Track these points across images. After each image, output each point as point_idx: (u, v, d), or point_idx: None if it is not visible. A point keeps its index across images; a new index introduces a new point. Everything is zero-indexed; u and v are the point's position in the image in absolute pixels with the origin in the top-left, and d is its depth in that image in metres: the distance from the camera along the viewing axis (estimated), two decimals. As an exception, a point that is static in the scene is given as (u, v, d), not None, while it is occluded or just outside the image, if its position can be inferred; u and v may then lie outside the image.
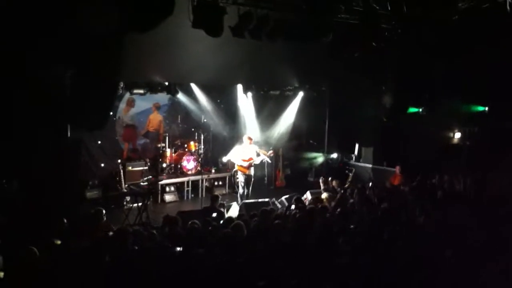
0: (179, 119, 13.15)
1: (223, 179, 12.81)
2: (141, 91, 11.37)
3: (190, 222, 6.39)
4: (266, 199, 9.88)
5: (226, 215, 8.19)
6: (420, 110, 11.82)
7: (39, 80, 7.59)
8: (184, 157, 12.12)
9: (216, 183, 12.71)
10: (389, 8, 7.13)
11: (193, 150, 12.56)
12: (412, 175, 10.48)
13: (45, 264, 4.82)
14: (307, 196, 10.20)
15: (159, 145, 12.26)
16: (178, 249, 5.45)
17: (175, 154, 12.38)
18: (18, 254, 4.86)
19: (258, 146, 11.39)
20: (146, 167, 11.48)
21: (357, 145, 14.11)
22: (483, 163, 9.97)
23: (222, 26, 6.43)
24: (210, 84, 12.34)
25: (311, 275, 4.69)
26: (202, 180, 11.52)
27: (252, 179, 10.88)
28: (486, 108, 11.10)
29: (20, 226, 6.59)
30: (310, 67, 10.96)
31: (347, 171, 11.78)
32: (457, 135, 12.14)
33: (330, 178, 10.63)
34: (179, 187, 11.94)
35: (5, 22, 6.45)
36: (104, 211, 7.09)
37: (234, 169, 11.29)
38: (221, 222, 7.10)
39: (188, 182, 11.95)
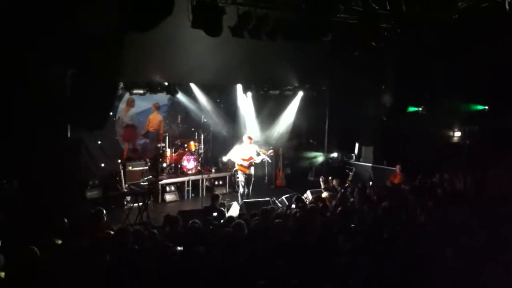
0: (179, 119, 13.15)
1: (223, 178, 12.81)
2: (141, 91, 11.36)
3: (190, 222, 6.39)
4: (267, 199, 9.87)
5: (227, 215, 8.21)
6: (420, 109, 11.83)
7: (39, 80, 7.59)
8: (184, 157, 12.12)
9: (216, 182, 12.71)
10: (388, 8, 7.13)
11: (193, 149, 12.56)
12: (412, 174, 10.49)
13: (46, 264, 4.82)
14: (308, 195, 10.21)
15: (159, 145, 12.26)
16: (179, 248, 5.46)
17: (175, 154, 12.39)
18: (19, 254, 4.86)
19: (258, 145, 11.39)
20: (146, 167, 11.49)
21: (357, 144, 14.09)
22: (483, 162, 9.96)
23: (222, 26, 6.43)
24: (210, 84, 12.34)
25: (312, 274, 4.69)
26: (203, 179, 11.54)
27: (253, 179, 10.88)
28: (486, 107, 11.09)
29: (21, 226, 6.59)
30: (310, 67, 10.97)
31: (347, 170, 11.81)
32: (457, 134, 12.14)
33: (330, 177, 10.65)
34: (179, 186, 11.95)
35: (5, 22, 6.45)
36: (104, 211, 7.08)
37: (234, 169, 11.30)
38: (222, 221, 7.11)
39: (188, 181, 11.95)
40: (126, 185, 10.54)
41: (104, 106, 9.25)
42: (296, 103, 13.80)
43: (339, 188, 10.06)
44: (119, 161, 11.20)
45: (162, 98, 12.73)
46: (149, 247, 5.46)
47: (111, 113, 11.09)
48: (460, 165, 10.71)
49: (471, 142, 11.34)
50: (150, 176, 11.06)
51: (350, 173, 11.42)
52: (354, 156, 14.10)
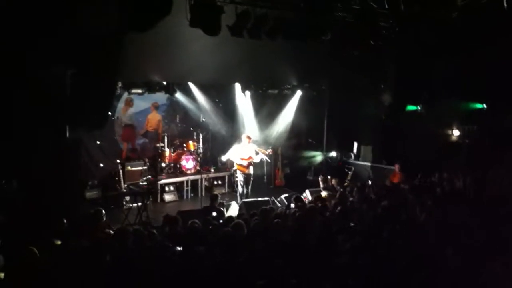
0: (177, 119, 13.15)
1: (222, 178, 12.82)
2: (139, 91, 11.37)
3: (190, 222, 6.40)
4: (266, 198, 9.88)
5: (226, 214, 8.21)
6: (418, 107, 11.82)
7: (39, 80, 7.58)
8: (183, 157, 12.12)
9: (215, 182, 12.71)
10: (387, 7, 7.12)
11: (192, 149, 12.55)
12: (411, 173, 10.49)
13: (45, 264, 4.83)
14: (307, 195, 10.22)
15: (158, 145, 12.26)
16: (179, 248, 5.46)
17: (174, 153, 12.38)
18: (18, 254, 4.86)
19: (257, 145, 11.39)
20: (145, 167, 11.47)
21: (356, 144, 14.10)
22: (483, 161, 9.96)
23: (220, 25, 6.43)
24: (209, 83, 12.35)
25: (311, 274, 4.69)
26: (202, 179, 11.55)
27: (252, 178, 10.89)
28: (485, 106, 11.09)
29: (20, 226, 6.59)
30: (309, 66, 10.97)
31: (346, 170, 11.83)
32: (456, 133, 12.14)
33: (329, 177, 10.68)
34: (178, 186, 11.94)
35: (5, 22, 6.44)
36: (103, 211, 7.10)
37: (234, 168, 11.30)
38: (221, 221, 7.12)
39: (187, 181, 11.95)
40: (125, 185, 10.55)
41: (104, 106, 9.22)
42: (295, 102, 13.79)
43: (338, 187, 10.08)
44: (118, 161, 11.21)
45: (160, 97, 12.74)
46: (148, 247, 5.46)
47: (109, 113, 11.09)
48: (460, 164, 10.71)
49: (470, 141, 11.33)
50: (149, 176, 11.07)
51: (349, 173, 11.45)
52: (353, 156, 14.08)
